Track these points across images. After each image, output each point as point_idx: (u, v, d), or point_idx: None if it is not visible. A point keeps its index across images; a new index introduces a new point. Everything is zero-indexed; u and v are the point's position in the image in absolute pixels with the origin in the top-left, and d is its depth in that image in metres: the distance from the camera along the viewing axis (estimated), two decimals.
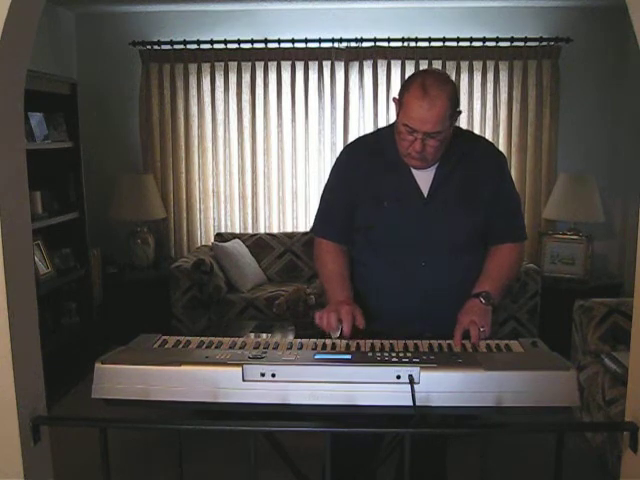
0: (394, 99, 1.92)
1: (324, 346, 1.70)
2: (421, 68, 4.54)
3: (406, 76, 4.46)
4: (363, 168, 2.00)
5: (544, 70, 4.64)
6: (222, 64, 4.75)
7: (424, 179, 1.95)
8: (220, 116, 4.83)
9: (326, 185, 2.12)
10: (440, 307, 1.94)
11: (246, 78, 4.77)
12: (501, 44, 4.59)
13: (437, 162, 1.94)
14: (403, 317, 1.97)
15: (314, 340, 1.73)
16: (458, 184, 1.95)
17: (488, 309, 1.88)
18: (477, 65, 4.67)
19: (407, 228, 1.96)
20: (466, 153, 1.97)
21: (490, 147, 2.08)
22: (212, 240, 4.76)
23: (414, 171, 1.95)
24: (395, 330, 1.86)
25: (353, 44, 4.66)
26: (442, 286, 1.96)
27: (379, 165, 1.99)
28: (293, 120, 4.79)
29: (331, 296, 1.98)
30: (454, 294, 1.93)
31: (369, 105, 4.72)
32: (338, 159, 2.11)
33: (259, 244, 4.73)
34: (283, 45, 4.67)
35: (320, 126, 4.79)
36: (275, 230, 4.92)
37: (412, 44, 4.63)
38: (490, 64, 4.66)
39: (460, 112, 1.91)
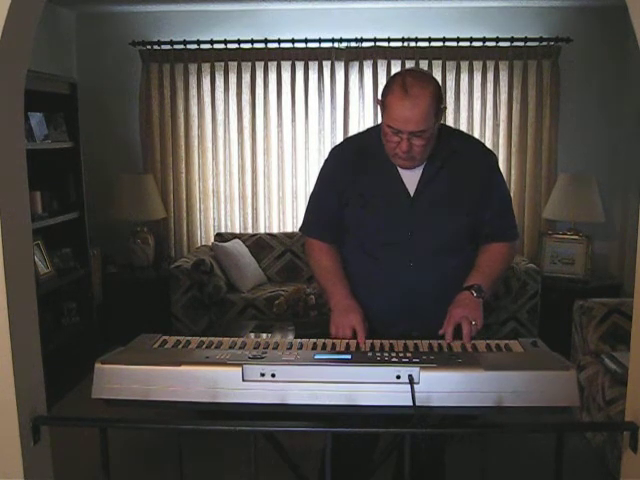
0: (377, 101, 1.92)
1: (324, 346, 1.70)
2: (421, 68, 4.54)
3: None
4: (350, 168, 2.00)
5: (544, 70, 4.64)
6: (222, 64, 4.75)
7: (411, 178, 1.95)
8: (220, 116, 4.83)
9: (316, 184, 2.13)
10: (428, 307, 1.94)
11: (246, 78, 4.77)
12: (501, 44, 4.59)
13: (424, 161, 1.93)
14: (391, 317, 1.97)
15: (314, 340, 1.73)
16: (446, 184, 1.94)
17: (479, 302, 1.87)
18: (477, 65, 4.67)
19: (394, 228, 1.95)
20: (454, 152, 1.95)
21: (479, 146, 2.07)
22: (212, 240, 4.76)
23: (401, 170, 1.95)
24: (382, 330, 1.86)
25: (353, 44, 4.66)
26: (430, 286, 1.95)
27: (366, 164, 1.99)
28: (293, 120, 4.79)
29: (331, 294, 1.98)
30: (442, 294, 1.91)
31: (369, 105, 4.72)
32: (327, 158, 2.12)
33: (259, 244, 4.73)
34: (283, 45, 4.66)
35: (320, 126, 4.79)
36: (275, 230, 4.92)
37: (412, 44, 4.62)
38: (490, 64, 4.66)
39: (445, 108, 1.90)
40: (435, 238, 1.95)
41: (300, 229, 2.17)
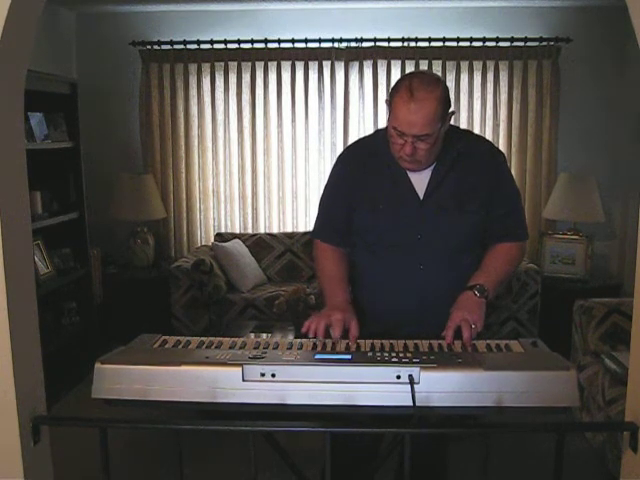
0: (386, 101, 1.91)
1: (324, 346, 1.70)
2: (421, 68, 4.54)
3: None
4: (359, 170, 2.00)
5: (544, 70, 4.64)
6: (222, 64, 4.75)
7: (420, 181, 1.94)
8: (220, 116, 4.83)
9: (324, 188, 2.12)
10: (437, 309, 1.91)
11: (246, 78, 4.77)
12: (501, 44, 4.59)
13: (433, 163, 1.93)
14: (400, 319, 1.96)
15: (314, 340, 1.73)
16: (454, 185, 1.93)
17: (481, 302, 1.86)
18: (477, 65, 4.67)
19: (403, 230, 1.95)
20: (463, 153, 1.95)
21: (488, 146, 2.06)
22: (212, 240, 4.76)
23: (410, 173, 1.94)
24: (392, 332, 1.85)
25: (353, 44, 4.66)
26: (440, 288, 1.95)
27: (375, 167, 1.98)
28: (293, 120, 4.79)
29: (328, 299, 1.97)
30: (452, 296, 1.90)
31: (369, 105, 4.72)
32: (335, 162, 2.11)
33: (259, 244, 4.73)
34: (283, 45, 4.67)
35: (320, 126, 4.79)
36: (275, 230, 4.92)
37: (412, 44, 4.63)
38: (490, 64, 4.66)
39: (453, 113, 1.90)
40: (444, 240, 1.94)
41: (310, 234, 2.17)
